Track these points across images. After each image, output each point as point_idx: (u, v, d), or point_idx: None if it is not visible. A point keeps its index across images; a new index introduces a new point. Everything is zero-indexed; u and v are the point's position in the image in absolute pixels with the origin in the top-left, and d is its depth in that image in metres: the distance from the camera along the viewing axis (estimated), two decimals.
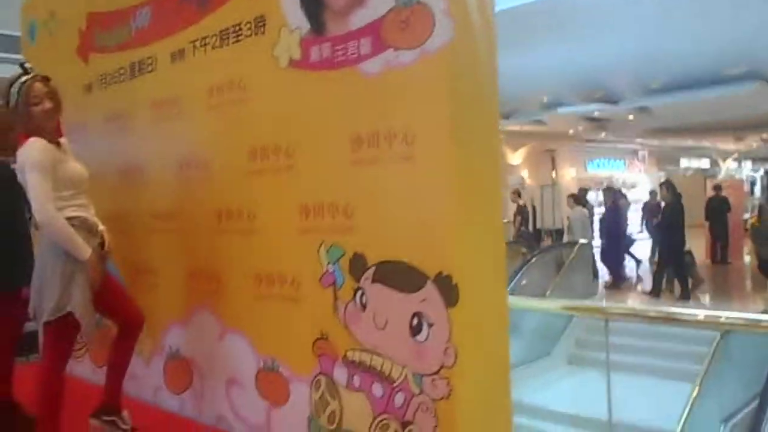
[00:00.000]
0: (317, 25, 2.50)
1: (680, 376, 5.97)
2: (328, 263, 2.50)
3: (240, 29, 2.87)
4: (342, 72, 2.41)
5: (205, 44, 3.05)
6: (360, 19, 2.34)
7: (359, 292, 2.38)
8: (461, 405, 2.13)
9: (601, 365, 5.81)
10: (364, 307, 2.37)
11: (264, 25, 2.75)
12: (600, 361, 5.69)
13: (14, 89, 2.63)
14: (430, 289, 2.14)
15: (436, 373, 2.14)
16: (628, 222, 13.93)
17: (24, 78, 2.64)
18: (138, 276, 3.44)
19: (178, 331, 3.31)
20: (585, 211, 12.39)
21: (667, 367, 6.99)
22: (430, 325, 2.15)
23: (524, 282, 9.78)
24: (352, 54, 2.37)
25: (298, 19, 2.58)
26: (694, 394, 4.73)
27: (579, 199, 12.79)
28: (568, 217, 13.41)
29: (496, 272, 2.20)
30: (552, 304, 5.65)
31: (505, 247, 2.26)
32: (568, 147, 21.00)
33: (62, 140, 2.76)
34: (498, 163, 2.27)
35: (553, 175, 20.82)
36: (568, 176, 21.49)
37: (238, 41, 2.88)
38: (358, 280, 2.39)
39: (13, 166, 2.94)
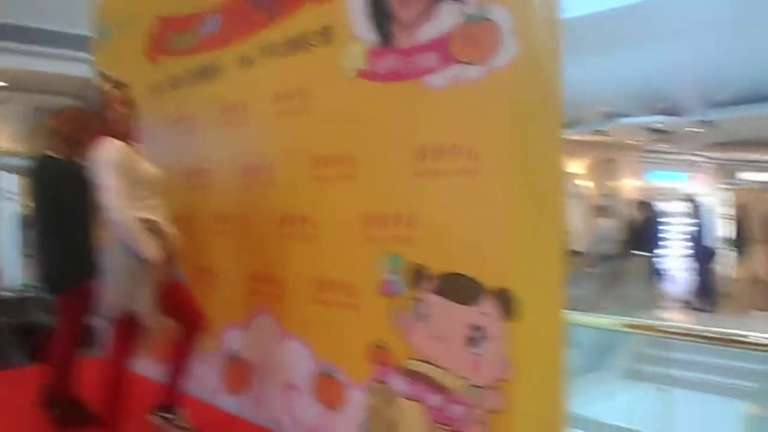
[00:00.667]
0: (385, 37, 2.54)
1: (740, 394, 5.84)
2: (389, 272, 2.53)
3: (307, 38, 2.92)
4: (408, 84, 2.44)
5: (273, 52, 3.13)
6: (428, 32, 2.36)
7: (419, 303, 2.40)
8: (515, 418, 2.13)
9: (659, 380, 5.73)
10: (423, 317, 2.39)
11: (331, 34, 2.80)
12: (658, 376, 5.61)
13: (93, 94, 2.75)
14: (489, 303, 2.15)
15: (493, 385, 2.15)
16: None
17: (110, 80, 2.77)
18: (201, 277, 3.54)
19: (238, 333, 3.39)
20: (610, 222, 12.46)
21: (728, 384, 6.85)
22: (488, 338, 2.16)
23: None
24: (419, 67, 2.40)
25: (365, 30, 2.62)
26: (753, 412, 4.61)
27: (603, 210, 12.97)
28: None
29: (556, 288, 2.19)
30: (611, 321, 5.55)
31: (565, 262, 2.24)
32: (629, 157, 20.56)
33: (136, 143, 2.87)
34: (560, 178, 2.27)
35: (614, 184, 20.41)
36: (629, 186, 21.03)
37: (305, 50, 2.94)
38: (417, 290, 2.41)
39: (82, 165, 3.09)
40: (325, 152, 2.85)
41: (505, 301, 2.10)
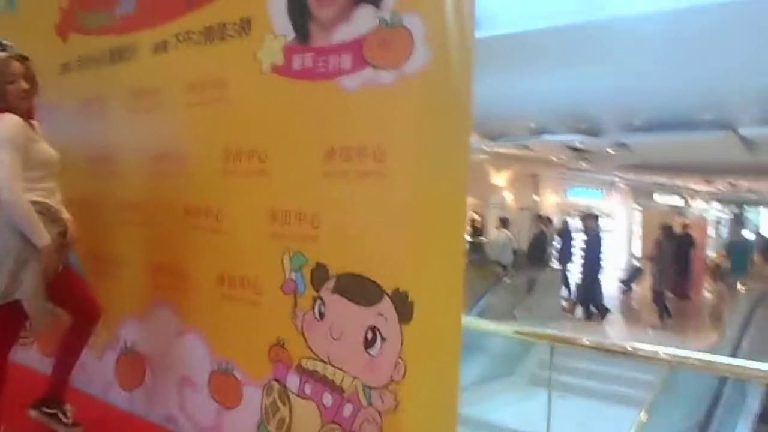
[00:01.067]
0: (302, 35, 2.52)
1: (631, 402, 6.17)
2: (291, 270, 2.51)
3: (225, 28, 2.87)
4: (322, 84, 2.43)
5: (189, 39, 3.06)
6: (344, 34, 2.36)
7: (318, 302, 2.40)
8: (407, 419, 2.15)
9: (561, 387, 5.98)
10: (321, 316, 2.38)
11: (249, 27, 2.76)
12: (560, 384, 5.85)
13: None
14: (386, 304, 2.16)
15: (385, 386, 2.16)
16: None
17: (1, 55, 2.61)
18: (98, 265, 3.41)
19: (134, 325, 3.29)
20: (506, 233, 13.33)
21: (619, 393, 7.21)
22: (384, 339, 2.17)
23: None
24: (333, 67, 2.39)
25: (283, 26, 2.60)
26: (642, 420, 4.86)
27: (504, 222, 13.80)
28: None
29: (453, 292, 2.23)
30: (504, 328, 5.75)
31: (464, 267, 2.28)
32: (551, 173, 21.22)
33: (34, 122, 2.74)
34: (464, 186, 2.29)
35: (536, 198, 21.03)
36: (549, 201, 21.71)
37: (222, 40, 2.89)
38: (318, 289, 2.40)
39: None
40: (237, 145, 2.80)
41: (402, 304, 2.12)
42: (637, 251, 21.73)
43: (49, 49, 3.89)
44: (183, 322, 3.02)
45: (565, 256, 14.55)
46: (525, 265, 13.45)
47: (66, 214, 2.73)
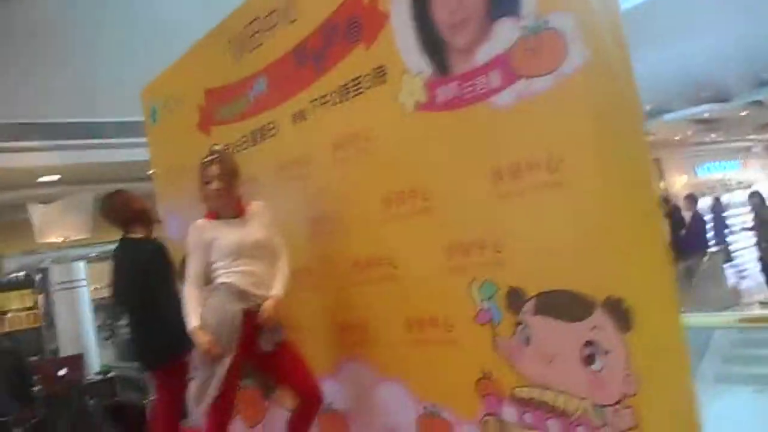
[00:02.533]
0: (441, 67, 2.52)
1: None
2: (482, 300, 2.46)
3: (359, 82, 2.93)
4: (472, 108, 2.41)
5: (326, 102, 3.15)
6: (486, 53, 2.34)
7: (520, 327, 2.32)
8: None
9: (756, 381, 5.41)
10: (528, 341, 2.30)
11: (384, 74, 2.80)
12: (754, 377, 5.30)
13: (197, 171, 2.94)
14: (599, 315, 2.06)
15: (619, 402, 2.04)
16: None
17: (204, 159, 2.90)
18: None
19: (329, 384, 3.34)
20: None
21: None
22: (605, 353, 2.06)
23: None
24: (482, 89, 2.37)
25: (419, 64, 2.61)
26: None
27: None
28: None
29: (667, 290, 2.08)
30: (726, 318, 5.29)
31: (672, 262, 2.14)
32: (673, 154, 20.10)
33: (250, 210, 2.99)
34: (649, 176, 2.17)
35: (662, 185, 19.94)
36: (678, 184, 20.51)
37: (359, 94, 2.95)
38: (516, 314, 2.33)
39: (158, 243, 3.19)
40: (394, 190, 2.82)
41: (617, 311, 2.01)
42: None
43: (193, 145, 4.14)
44: (378, 373, 3.02)
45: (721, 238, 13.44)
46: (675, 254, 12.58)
47: (261, 292, 2.86)
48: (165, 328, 3.17)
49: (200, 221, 2.95)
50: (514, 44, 2.23)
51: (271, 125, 3.54)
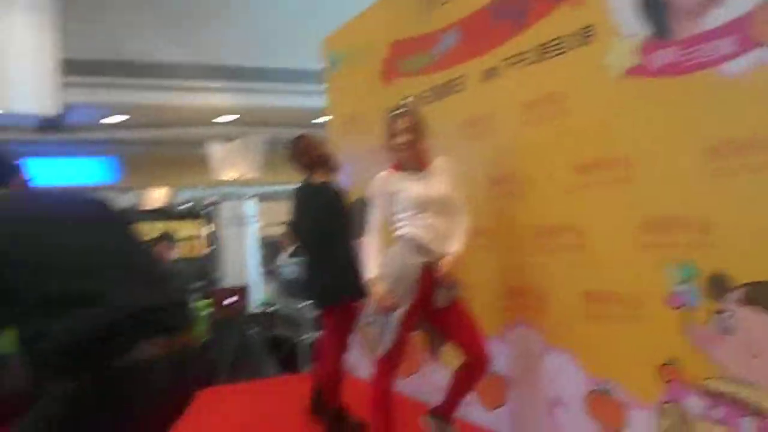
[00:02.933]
0: (660, 29, 2.35)
1: None
2: (678, 282, 2.32)
3: (561, 42, 2.82)
4: (696, 75, 2.23)
5: (521, 60, 3.06)
6: (716, 19, 2.15)
7: (721, 315, 2.17)
8: None
9: None
10: (728, 331, 2.15)
11: (591, 35, 2.67)
12: None
13: (385, 123, 2.97)
14: None
15: None
16: None
17: (393, 112, 2.94)
18: None
19: (493, 346, 3.33)
20: None
21: None
22: None
23: None
24: (708, 56, 2.19)
25: (633, 26, 2.46)
26: None
27: None
28: None
29: None
30: None
31: None
32: None
33: (434, 164, 2.98)
34: None
35: None
36: None
37: (559, 54, 2.84)
38: (718, 301, 2.18)
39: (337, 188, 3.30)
40: (590, 157, 2.71)
41: None
42: None
43: (374, 95, 4.22)
44: (547, 342, 2.97)
45: None
46: None
47: (440, 247, 2.86)
48: (340, 271, 3.29)
49: (384, 172, 2.99)
50: (755, 9, 2.03)
51: (458, 81, 3.51)
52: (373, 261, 2.89)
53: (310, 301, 3.54)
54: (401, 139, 2.89)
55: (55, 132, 8.68)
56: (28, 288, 1.56)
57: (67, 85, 6.61)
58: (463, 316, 2.93)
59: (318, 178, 3.50)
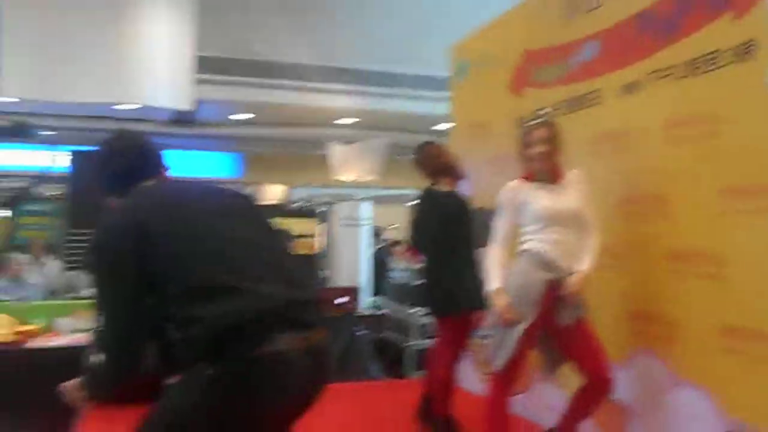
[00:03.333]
0: None
1: None
2: None
3: (716, 57, 2.65)
4: None
5: (667, 74, 2.91)
6: None
7: None
8: None
9: None
10: None
11: (752, 49, 2.49)
12: None
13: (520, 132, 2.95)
14: None
15: None
16: None
17: (530, 122, 2.90)
18: None
19: (614, 372, 3.18)
20: None
21: None
22: None
23: None
24: None
25: None
26: None
27: None
28: None
29: None
30: None
31: None
32: None
33: (567, 177, 2.89)
34: None
35: None
36: None
37: (713, 70, 2.67)
38: None
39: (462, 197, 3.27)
40: (737, 182, 2.53)
41: None
42: None
43: (502, 104, 4.16)
44: (675, 374, 2.80)
45: None
46: None
47: (567, 263, 2.76)
48: (460, 280, 3.25)
49: (515, 182, 2.91)
50: None
51: (595, 93, 3.38)
52: (496, 272, 2.84)
53: (427, 308, 3.52)
54: (537, 150, 2.83)
55: (186, 126, 9.19)
56: (177, 274, 1.63)
57: (199, 82, 6.95)
58: (588, 336, 2.83)
59: (444, 186, 3.48)
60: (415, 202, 3.59)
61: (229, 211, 1.83)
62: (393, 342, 5.85)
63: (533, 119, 2.91)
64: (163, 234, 1.66)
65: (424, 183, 3.55)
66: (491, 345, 2.84)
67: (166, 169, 1.97)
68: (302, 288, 1.76)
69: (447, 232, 3.32)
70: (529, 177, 2.89)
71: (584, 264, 2.77)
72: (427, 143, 3.65)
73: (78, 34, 6.19)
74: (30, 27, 6.10)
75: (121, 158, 1.88)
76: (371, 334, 5.60)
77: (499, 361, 2.77)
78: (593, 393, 2.79)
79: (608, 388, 2.78)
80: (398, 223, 11.11)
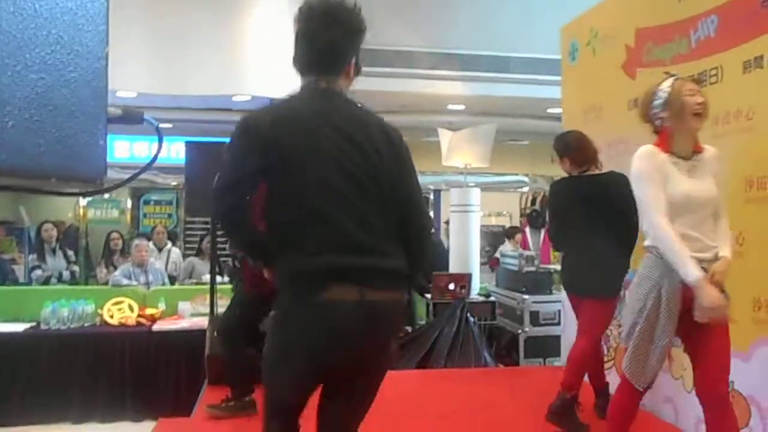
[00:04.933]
0: None
1: None
2: None
3: None
4: None
5: None
6: None
7: None
8: None
9: None
10: None
11: None
12: None
13: (665, 86, 2.58)
14: None
15: None
16: None
17: (671, 78, 2.60)
18: None
19: (735, 362, 3.04)
20: None
21: None
22: None
23: None
24: None
25: None
26: None
27: None
28: None
29: None
30: None
31: None
32: None
33: (702, 154, 2.58)
34: None
35: None
36: None
37: None
38: None
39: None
40: None
41: None
42: None
43: (616, 85, 4.03)
44: None
45: None
46: None
47: (704, 255, 2.46)
48: (602, 264, 3.29)
49: (652, 147, 2.54)
50: None
51: (714, 71, 3.23)
52: (688, 254, 2.38)
53: (571, 291, 3.54)
54: (697, 99, 2.48)
55: None
56: (284, 189, 1.84)
57: None
58: (719, 337, 2.50)
59: (591, 172, 3.49)
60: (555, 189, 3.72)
61: (354, 163, 1.87)
62: (504, 329, 5.83)
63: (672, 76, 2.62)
64: (288, 149, 1.83)
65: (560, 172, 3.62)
66: (636, 355, 2.52)
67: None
68: (380, 250, 1.83)
69: (594, 217, 3.33)
70: (665, 145, 2.52)
71: (724, 250, 2.50)
72: (571, 133, 3.68)
73: (192, 29, 6.57)
74: (144, 23, 6.54)
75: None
76: (482, 321, 5.60)
77: (643, 380, 2.53)
78: (714, 419, 2.50)
79: (724, 404, 2.51)
80: (506, 210, 11.00)
